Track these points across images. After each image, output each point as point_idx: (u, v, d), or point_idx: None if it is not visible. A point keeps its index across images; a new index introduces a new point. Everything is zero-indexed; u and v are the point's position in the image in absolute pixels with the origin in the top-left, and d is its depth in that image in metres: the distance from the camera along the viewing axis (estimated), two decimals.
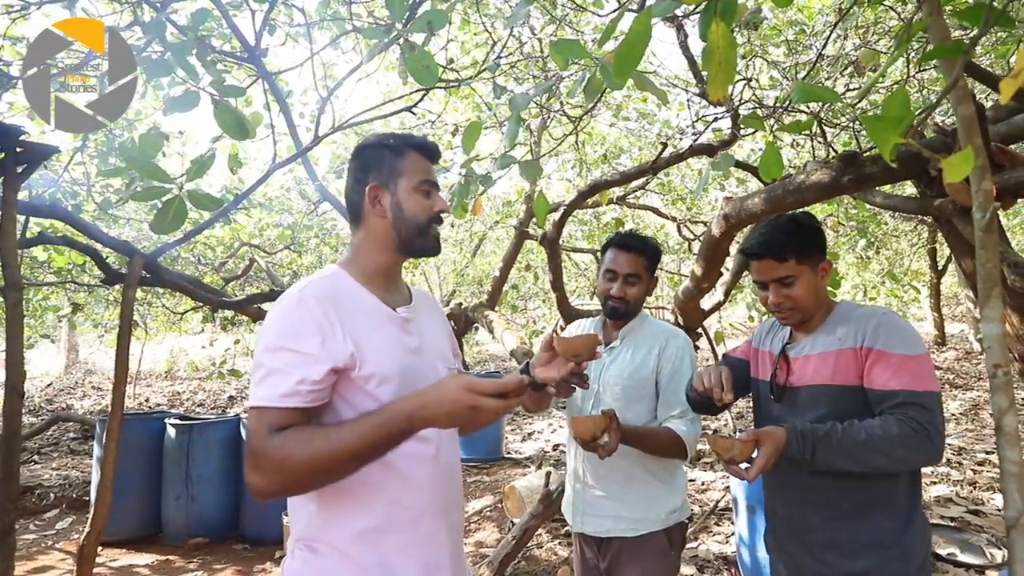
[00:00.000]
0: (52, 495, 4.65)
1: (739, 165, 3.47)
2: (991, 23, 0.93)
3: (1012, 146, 1.86)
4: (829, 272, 1.41)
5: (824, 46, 2.58)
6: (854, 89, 3.69)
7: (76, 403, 9.74)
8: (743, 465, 1.22)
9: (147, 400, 9.79)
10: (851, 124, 3.35)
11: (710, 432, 1.41)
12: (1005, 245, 1.74)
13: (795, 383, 1.40)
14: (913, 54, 2.80)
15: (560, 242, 4.41)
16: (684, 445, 1.59)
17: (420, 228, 1.13)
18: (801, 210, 1.76)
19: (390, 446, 0.97)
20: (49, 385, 11.59)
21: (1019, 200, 1.68)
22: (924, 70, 3.03)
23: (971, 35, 0.93)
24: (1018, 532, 0.98)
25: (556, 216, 3.86)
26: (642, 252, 1.70)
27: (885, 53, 2.88)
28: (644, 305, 1.80)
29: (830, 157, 2.24)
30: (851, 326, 1.34)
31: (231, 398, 9.79)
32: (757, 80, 3.62)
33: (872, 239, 6.52)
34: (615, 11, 1.70)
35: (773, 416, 1.43)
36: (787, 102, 2.52)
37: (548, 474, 3.32)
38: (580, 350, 1.22)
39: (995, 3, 0.94)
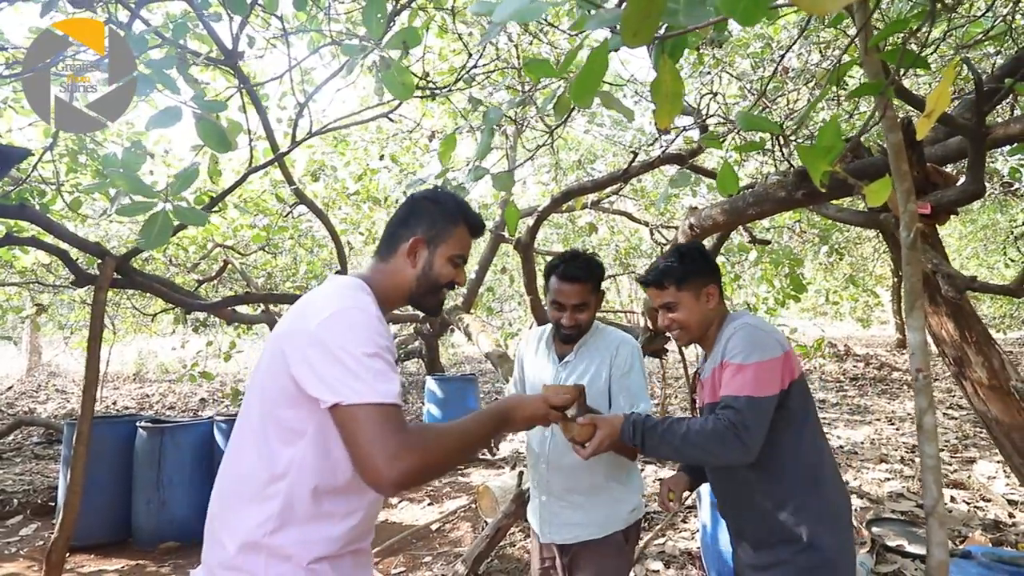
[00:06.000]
0: (15, 501, 4.54)
1: (705, 173, 3.61)
2: (907, 64, 1.04)
3: (947, 166, 2.00)
4: (715, 296, 1.54)
5: (781, 59, 2.73)
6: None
7: (39, 407, 9.46)
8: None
9: (115, 403, 9.56)
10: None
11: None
12: (940, 257, 1.88)
13: (703, 403, 1.56)
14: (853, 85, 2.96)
15: (535, 246, 4.51)
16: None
17: (435, 289, 1.25)
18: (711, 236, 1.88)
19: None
20: (10, 388, 11.21)
21: (952, 215, 1.82)
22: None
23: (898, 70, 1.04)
24: (934, 519, 1.09)
25: (530, 221, 3.94)
26: (587, 280, 1.73)
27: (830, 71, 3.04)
28: (619, 309, 1.89)
29: (788, 171, 2.38)
30: (720, 344, 1.48)
31: (202, 400, 9.63)
32: (723, 94, 3.76)
33: (835, 245, 6.77)
34: (577, 32, 1.78)
35: None
36: (735, 128, 2.67)
37: (521, 474, 3.40)
38: None
39: (910, 48, 1.05)
